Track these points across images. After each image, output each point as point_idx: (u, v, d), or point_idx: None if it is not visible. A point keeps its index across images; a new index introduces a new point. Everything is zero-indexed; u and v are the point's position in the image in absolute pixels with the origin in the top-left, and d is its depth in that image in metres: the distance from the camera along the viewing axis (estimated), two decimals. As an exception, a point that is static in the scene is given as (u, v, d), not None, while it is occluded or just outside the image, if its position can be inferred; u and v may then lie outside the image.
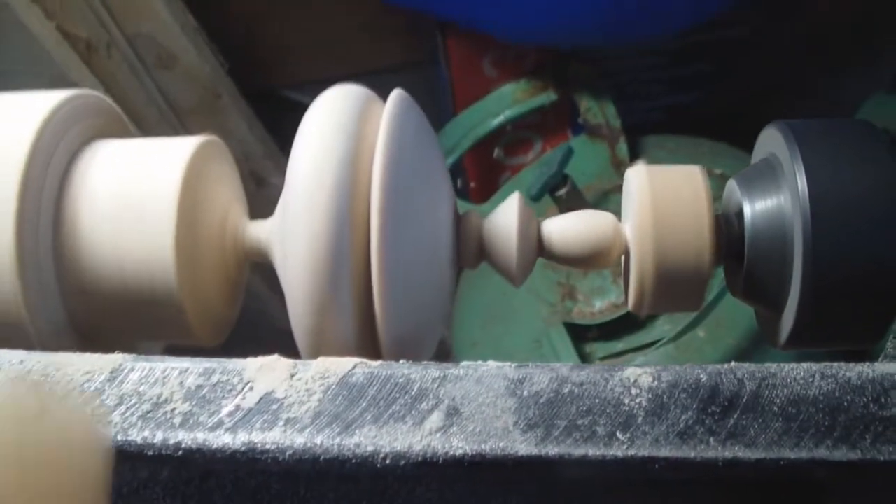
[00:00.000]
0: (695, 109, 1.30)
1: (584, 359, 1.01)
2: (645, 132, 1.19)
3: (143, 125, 1.19)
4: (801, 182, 0.30)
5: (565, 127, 1.23)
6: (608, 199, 1.06)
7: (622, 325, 1.01)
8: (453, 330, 1.14)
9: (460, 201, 1.17)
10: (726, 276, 0.33)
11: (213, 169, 0.33)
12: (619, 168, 1.12)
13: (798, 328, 0.31)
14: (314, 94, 1.18)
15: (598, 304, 1.03)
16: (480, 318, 1.09)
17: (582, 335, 1.02)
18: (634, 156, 1.14)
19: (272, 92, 1.37)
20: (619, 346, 1.00)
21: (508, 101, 1.18)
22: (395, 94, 0.31)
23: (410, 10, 1.11)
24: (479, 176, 1.24)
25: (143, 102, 1.18)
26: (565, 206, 1.00)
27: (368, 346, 0.29)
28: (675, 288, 0.31)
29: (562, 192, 0.98)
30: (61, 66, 1.07)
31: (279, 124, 1.37)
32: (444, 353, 1.16)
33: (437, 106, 1.27)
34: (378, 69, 1.38)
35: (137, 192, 0.31)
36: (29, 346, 0.31)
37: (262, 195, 1.19)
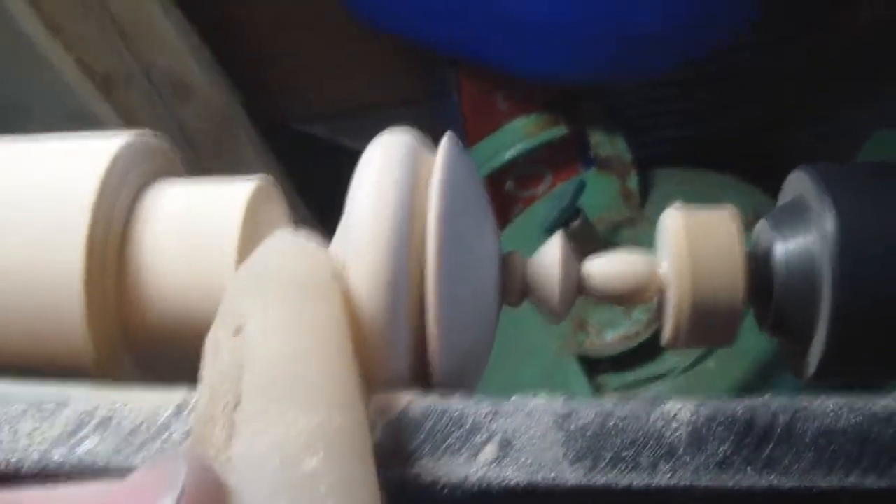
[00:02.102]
0: (702, 142, 1.32)
1: (597, 390, 1.03)
2: (654, 165, 1.21)
3: None
4: (830, 223, 0.32)
5: (576, 160, 1.25)
6: (619, 231, 1.07)
7: (634, 357, 1.02)
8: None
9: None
10: (755, 312, 0.35)
11: (269, 209, 0.35)
12: (630, 201, 1.14)
13: (825, 362, 0.33)
14: (325, 127, 1.20)
15: (610, 336, 1.04)
16: (494, 348, 1.11)
17: (594, 367, 1.04)
18: (644, 189, 1.16)
19: (283, 125, 1.39)
20: (631, 377, 1.02)
21: (520, 134, 1.20)
22: (447, 141, 0.33)
23: (423, 47, 1.13)
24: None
25: (160, 133, 1.19)
26: (577, 238, 1.02)
27: (420, 379, 0.31)
28: (709, 325, 0.33)
29: (574, 225, 1.00)
30: (80, 99, 1.09)
31: (290, 157, 1.39)
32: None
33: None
34: (389, 103, 1.40)
35: (198, 233, 0.33)
36: (87, 375, 0.32)
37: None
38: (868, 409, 0.29)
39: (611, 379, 1.02)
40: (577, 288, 0.35)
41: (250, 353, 0.25)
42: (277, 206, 0.36)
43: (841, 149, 1.21)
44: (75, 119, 1.07)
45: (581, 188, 1.02)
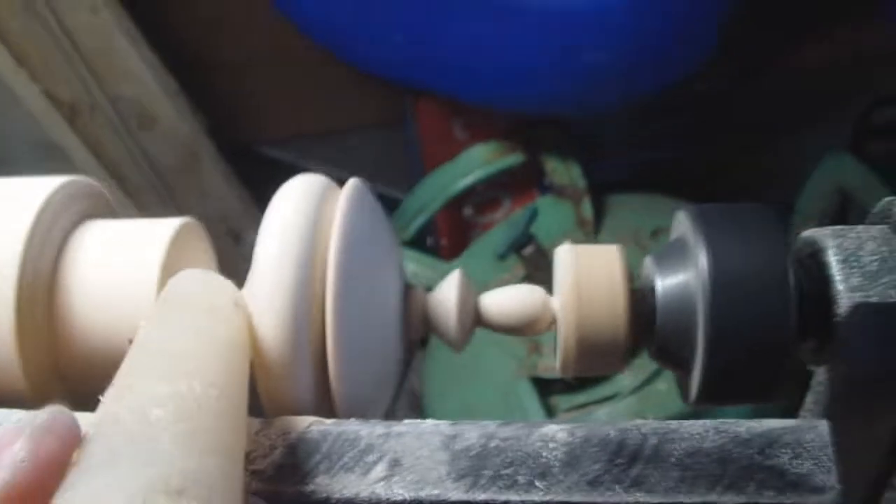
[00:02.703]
0: (660, 167, 1.35)
1: (550, 410, 1.05)
2: (612, 190, 1.23)
3: (126, 185, 1.22)
4: (703, 260, 0.35)
5: (533, 187, 1.27)
6: (572, 257, 1.09)
7: (585, 379, 1.05)
8: (423, 381, 1.18)
9: (432, 259, 1.21)
10: (645, 343, 0.38)
11: (192, 249, 0.37)
12: (584, 226, 1.17)
13: (703, 388, 0.36)
14: (292, 150, 1.22)
15: (563, 358, 1.06)
16: (450, 370, 1.13)
17: (547, 388, 1.06)
18: (599, 214, 1.19)
19: (251, 149, 1.41)
20: (583, 398, 1.05)
21: (478, 162, 1.22)
22: (350, 185, 0.35)
23: (384, 77, 1.15)
24: (450, 234, 1.28)
25: (125, 163, 1.21)
26: (530, 264, 1.04)
27: (324, 407, 0.34)
28: (595, 354, 0.36)
29: (527, 251, 1.03)
30: (45, 128, 1.10)
31: (258, 180, 1.41)
32: (413, 405, 1.20)
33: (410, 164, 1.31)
34: (354, 128, 1.42)
35: (122, 272, 0.35)
36: (23, 405, 0.35)
37: (239, 252, 1.23)
38: (732, 431, 0.32)
39: (563, 400, 1.05)
40: (475, 320, 0.37)
41: (133, 347, 0.29)
42: (201, 246, 0.39)
43: (795, 173, 1.24)
44: (40, 147, 1.09)
45: (533, 216, 1.05)
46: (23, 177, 0.38)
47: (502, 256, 1.04)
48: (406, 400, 1.26)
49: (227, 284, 0.33)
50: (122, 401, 0.27)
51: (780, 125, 1.38)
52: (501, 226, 1.18)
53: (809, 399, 0.45)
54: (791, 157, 1.39)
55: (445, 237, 1.28)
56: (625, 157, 1.33)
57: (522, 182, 1.26)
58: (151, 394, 0.27)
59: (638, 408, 1.01)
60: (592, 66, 0.93)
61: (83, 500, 0.25)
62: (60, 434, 0.27)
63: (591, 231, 1.15)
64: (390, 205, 1.24)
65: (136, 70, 1.18)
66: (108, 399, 0.28)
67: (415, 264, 1.15)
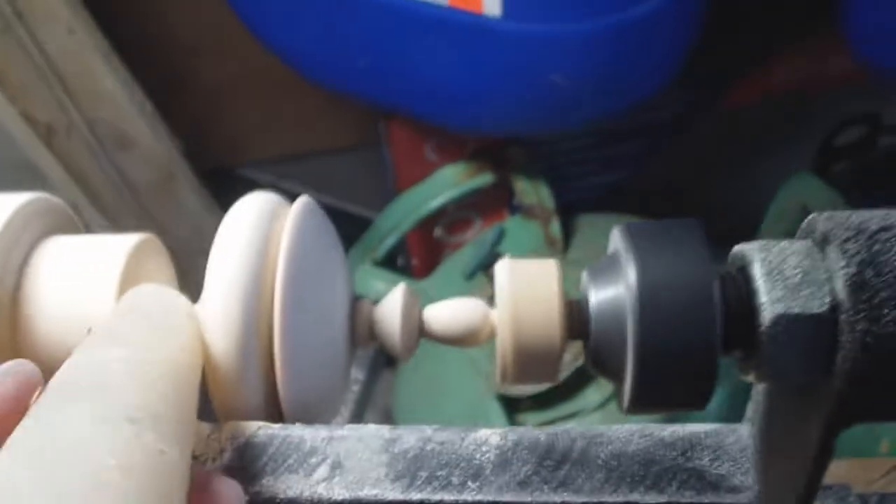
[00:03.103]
0: (626, 188, 1.37)
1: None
2: (580, 210, 1.25)
3: (102, 204, 1.23)
4: (631, 275, 0.37)
5: (503, 207, 1.29)
6: (538, 276, 1.11)
7: (553, 395, 1.07)
8: (395, 398, 1.20)
9: (402, 278, 1.23)
10: (584, 353, 0.40)
11: (150, 262, 0.39)
12: (553, 246, 1.19)
13: (635, 396, 0.38)
14: (269, 172, 1.23)
15: (533, 376, 1.08)
16: (420, 386, 1.15)
17: (515, 405, 1.08)
18: (568, 233, 1.21)
19: (227, 170, 1.43)
20: (551, 414, 1.07)
21: (449, 182, 1.24)
22: (299, 202, 0.37)
23: (357, 101, 1.17)
24: (421, 253, 1.30)
25: (101, 182, 1.23)
26: (497, 283, 1.06)
27: (272, 412, 0.36)
28: (531, 364, 0.38)
29: (493, 270, 1.05)
30: (22, 149, 1.12)
31: (233, 202, 1.42)
32: (385, 421, 1.21)
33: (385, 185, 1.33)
34: (331, 150, 1.44)
35: (81, 284, 0.37)
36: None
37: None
38: (656, 435, 0.34)
39: (530, 416, 1.07)
40: (419, 331, 0.39)
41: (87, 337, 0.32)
42: (160, 261, 0.41)
43: (760, 193, 1.27)
44: (17, 167, 1.11)
45: (500, 236, 1.07)
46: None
47: (470, 276, 1.06)
48: (377, 416, 1.27)
49: (181, 298, 0.35)
50: (82, 356, 0.30)
51: (745, 146, 1.40)
52: (470, 246, 1.20)
53: (750, 408, 0.47)
54: (756, 178, 1.42)
55: (417, 257, 1.30)
56: (591, 178, 1.35)
57: (492, 202, 1.29)
58: (109, 353, 0.30)
59: (603, 423, 1.03)
60: (555, 89, 0.95)
61: (50, 425, 0.27)
62: (18, 378, 0.30)
63: (560, 250, 1.17)
64: (366, 226, 1.26)
65: (112, 91, 1.20)
66: (67, 360, 0.30)
67: (385, 283, 1.17)
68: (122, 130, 1.23)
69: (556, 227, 1.19)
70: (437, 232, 1.29)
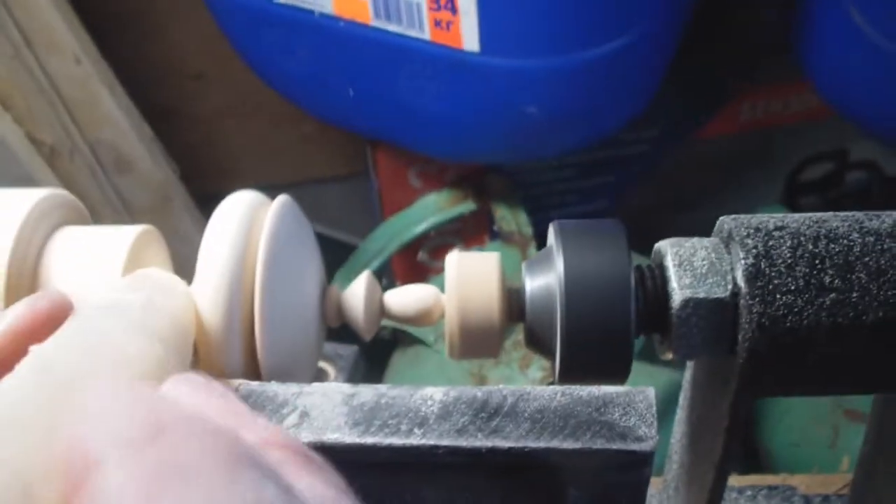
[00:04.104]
0: (602, 217, 1.42)
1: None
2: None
3: (100, 223, 1.27)
4: (559, 265, 0.43)
5: (483, 233, 1.34)
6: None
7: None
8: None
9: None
10: (523, 333, 0.46)
11: (151, 250, 0.46)
12: (529, 270, 1.23)
13: (563, 370, 0.44)
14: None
15: (507, 391, 1.13)
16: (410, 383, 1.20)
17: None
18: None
19: (221, 194, 1.48)
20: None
21: (432, 209, 1.29)
22: (278, 200, 0.44)
23: (345, 129, 1.23)
24: (405, 277, 1.35)
25: (100, 203, 1.27)
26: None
27: (252, 373, 0.42)
28: (474, 340, 0.44)
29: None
30: (27, 168, 1.16)
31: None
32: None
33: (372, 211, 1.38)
34: (320, 177, 1.49)
35: (91, 266, 0.44)
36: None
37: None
38: (575, 394, 0.41)
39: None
40: (380, 313, 0.46)
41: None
42: (159, 250, 0.47)
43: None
44: (22, 185, 1.16)
45: (478, 257, 1.13)
46: (10, 188, 0.46)
47: (449, 295, 1.12)
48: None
49: (178, 278, 0.41)
50: (107, 294, 0.37)
51: (716, 178, 1.46)
52: (449, 267, 1.25)
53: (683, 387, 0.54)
54: (726, 209, 1.47)
55: (401, 279, 1.36)
56: (569, 207, 1.41)
57: (474, 228, 1.34)
58: (130, 296, 0.36)
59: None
60: (530, 121, 1.01)
61: (92, 328, 0.33)
62: (53, 299, 0.35)
63: (536, 274, 1.22)
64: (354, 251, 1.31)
65: (114, 117, 1.24)
66: (93, 295, 0.36)
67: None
68: (121, 154, 1.27)
69: (533, 252, 1.24)
70: (421, 256, 1.34)
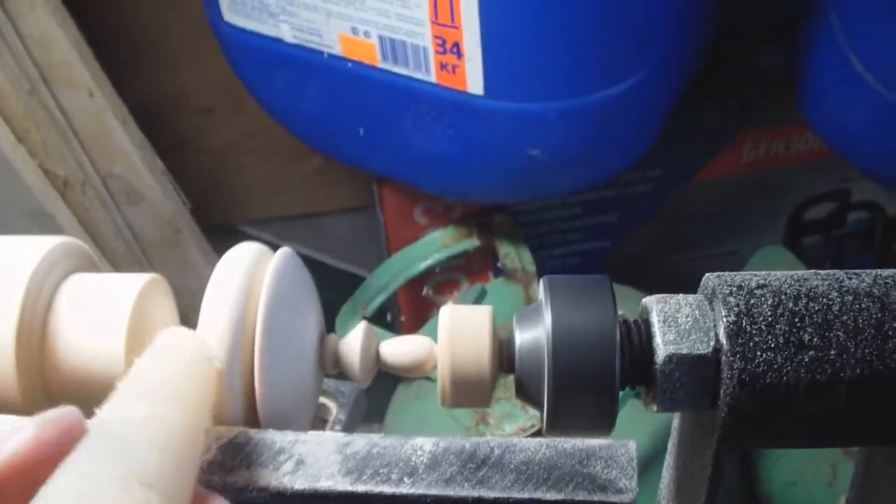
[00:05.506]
0: (606, 255, 1.44)
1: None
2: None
3: (110, 255, 1.30)
4: (547, 320, 0.45)
5: (487, 269, 1.36)
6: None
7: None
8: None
9: (390, 334, 1.30)
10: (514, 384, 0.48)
11: (157, 298, 0.48)
12: (532, 307, 1.25)
13: (551, 421, 0.46)
14: (271, 231, 1.30)
15: (509, 429, 1.15)
16: (405, 434, 1.22)
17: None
18: (547, 297, 1.27)
19: (232, 227, 1.50)
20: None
21: (437, 245, 1.31)
22: (279, 252, 0.46)
23: (352, 166, 1.25)
24: (410, 311, 1.36)
25: (111, 235, 1.29)
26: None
27: (251, 421, 0.44)
28: (465, 392, 0.46)
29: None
30: (40, 200, 1.18)
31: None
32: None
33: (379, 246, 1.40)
34: (328, 211, 1.50)
35: (98, 314, 0.45)
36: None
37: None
38: (559, 447, 0.42)
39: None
40: (376, 362, 0.48)
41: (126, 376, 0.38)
42: (165, 297, 0.49)
43: (738, 264, 1.34)
44: (34, 217, 1.18)
45: (481, 296, 1.15)
46: (22, 236, 0.48)
47: (451, 332, 1.13)
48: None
49: (204, 343, 0.42)
50: (112, 413, 0.35)
51: (719, 218, 1.48)
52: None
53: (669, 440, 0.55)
54: (729, 248, 1.49)
55: (405, 314, 1.38)
56: (573, 245, 1.43)
57: (478, 265, 1.36)
58: (135, 412, 0.35)
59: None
60: (533, 162, 1.03)
61: (68, 483, 0.31)
62: (63, 427, 0.34)
63: (538, 311, 1.24)
64: (361, 283, 1.33)
65: (126, 150, 1.25)
66: (101, 410, 0.36)
67: (373, 337, 1.24)
68: (132, 186, 1.29)
69: (536, 290, 1.25)
70: (426, 291, 1.36)
